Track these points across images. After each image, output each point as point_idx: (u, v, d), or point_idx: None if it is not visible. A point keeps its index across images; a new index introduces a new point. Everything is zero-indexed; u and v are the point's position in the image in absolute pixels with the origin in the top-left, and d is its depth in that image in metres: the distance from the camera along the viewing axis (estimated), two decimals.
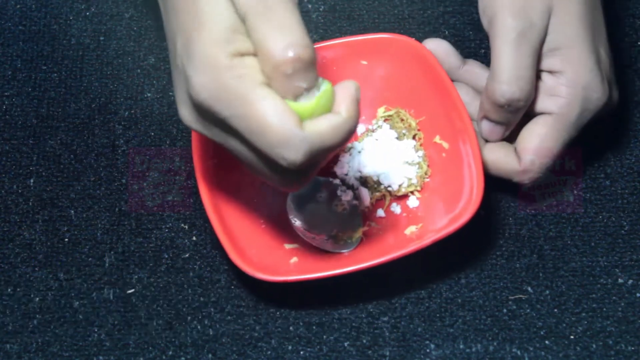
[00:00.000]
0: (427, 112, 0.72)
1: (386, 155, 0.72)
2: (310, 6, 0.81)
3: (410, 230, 0.69)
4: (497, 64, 0.66)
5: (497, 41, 0.66)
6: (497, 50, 0.66)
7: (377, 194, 0.72)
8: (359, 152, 0.72)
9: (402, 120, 0.73)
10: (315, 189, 0.71)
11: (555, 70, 0.67)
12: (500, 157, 0.69)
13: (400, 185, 0.71)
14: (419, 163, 0.72)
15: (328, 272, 0.65)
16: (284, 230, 0.71)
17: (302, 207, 0.71)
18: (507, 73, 0.66)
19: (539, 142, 0.67)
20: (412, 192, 0.72)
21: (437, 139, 0.72)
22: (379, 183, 0.71)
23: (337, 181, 0.72)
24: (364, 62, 0.73)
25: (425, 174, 0.72)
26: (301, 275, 0.65)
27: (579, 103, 0.67)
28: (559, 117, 0.67)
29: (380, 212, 0.72)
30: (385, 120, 0.74)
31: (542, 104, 0.68)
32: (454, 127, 0.69)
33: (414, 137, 0.73)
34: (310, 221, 0.70)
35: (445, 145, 0.71)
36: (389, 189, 0.71)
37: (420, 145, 0.73)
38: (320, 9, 0.81)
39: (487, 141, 0.71)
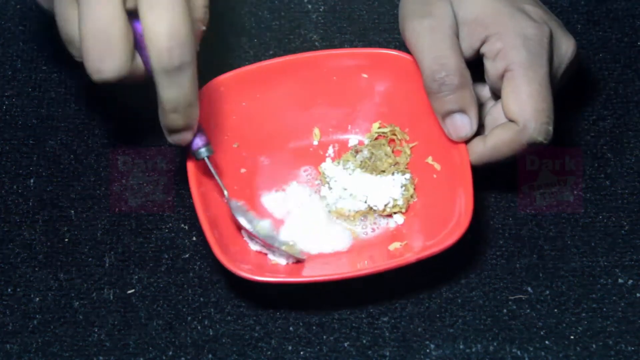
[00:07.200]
0: (423, 132, 0.72)
1: (372, 176, 0.72)
2: (310, 6, 0.81)
3: (394, 246, 0.69)
4: (418, 59, 0.68)
5: (411, 42, 0.68)
6: (413, 49, 0.68)
7: (362, 210, 0.71)
8: (336, 181, 0.72)
9: (394, 140, 0.73)
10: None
11: (482, 38, 0.68)
12: (498, 133, 0.67)
13: (385, 205, 0.71)
14: (405, 185, 0.71)
15: (301, 278, 0.68)
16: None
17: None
18: (426, 58, 0.67)
19: (514, 95, 0.66)
20: (396, 213, 0.72)
21: (430, 160, 0.71)
22: (364, 201, 0.71)
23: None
24: (365, 75, 0.73)
25: (411, 196, 0.71)
26: (277, 277, 0.67)
27: (519, 42, 0.66)
28: (515, 65, 0.66)
29: (367, 226, 0.72)
30: (376, 138, 0.73)
31: (494, 69, 0.68)
32: (448, 150, 0.69)
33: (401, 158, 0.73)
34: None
35: (437, 166, 0.71)
36: (374, 207, 0.71)
37: (406, 167, 0.72)
38: (320, 9, 0.81)
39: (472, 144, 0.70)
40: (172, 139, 0.65)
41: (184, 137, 0.65)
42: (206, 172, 0.69)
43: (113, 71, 0.61)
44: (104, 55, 0.61)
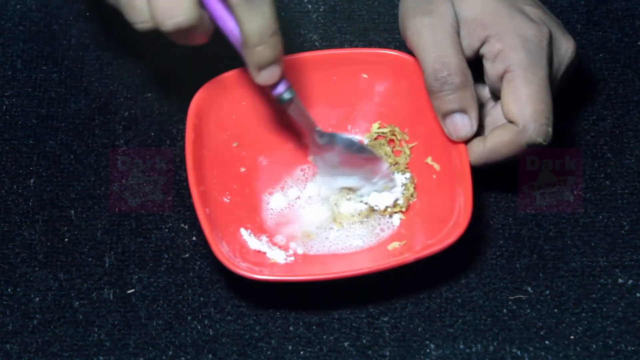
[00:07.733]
0: (423, 132, 0.72)
1: None
2: (310, 6, 0.81)
3: (394, 246, 0.69)
4: (419, 58, 0.68)
5: (413, 40, 0.68)
6: (415, 47, 0.68)
7: (363, 210, 0.71)
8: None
9: (393, 140, 0.73)
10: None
11: (482, 38, 0.68)
12: (498, 134, 0.67)
13: (386, 206, 0.71)
14: (405, 185, 0.71)
15: (300, 277, 0.68)
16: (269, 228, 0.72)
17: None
18: (428, 57, 0.67)
19: (514, 96, 0.66)
20: (396, 212, 0.72)
21: (429, 160, 0.71)
22: (365, 202, 0.71)
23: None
24: (365, 76, 0.73)
25: (412, 196, 0.71)
26: (276, 276, 0.67)
27: (519, 43, 0.66)
28: (515, 67, 0.66)
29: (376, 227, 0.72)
30: (376, 138, 0.73)
31: (493, 70, 0.67)
32: (448, 150, 0.69)
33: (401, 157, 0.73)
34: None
35: (437, 167, 0.71)
36: (375, 207, 0.71)
37: (406, 167, 0.72)
38: (320, 9, 0.81)
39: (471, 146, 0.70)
40: (262, 77, 0.65)
41: (274, 73, 0.65)
42: (206, 170, 0.69)
43: (184, 13, 0.61)
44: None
